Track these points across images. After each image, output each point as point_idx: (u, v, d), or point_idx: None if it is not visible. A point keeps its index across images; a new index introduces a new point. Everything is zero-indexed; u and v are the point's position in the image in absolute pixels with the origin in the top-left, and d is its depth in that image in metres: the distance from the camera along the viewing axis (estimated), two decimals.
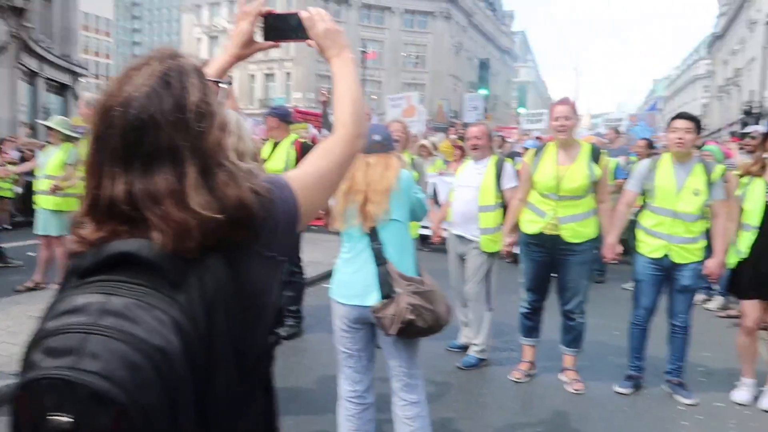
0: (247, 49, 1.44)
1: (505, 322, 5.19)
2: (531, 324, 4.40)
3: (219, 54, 1.49)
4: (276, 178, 1.11)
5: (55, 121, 6.15)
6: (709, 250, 4.12)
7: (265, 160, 5.12)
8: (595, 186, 4.02)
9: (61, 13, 25.73)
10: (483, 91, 16.65)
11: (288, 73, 48.25)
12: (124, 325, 0.84)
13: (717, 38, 56.71)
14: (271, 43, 1.46)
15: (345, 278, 2.81)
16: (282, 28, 1.43)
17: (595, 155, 4.02)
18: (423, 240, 8.50)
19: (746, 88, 36.68)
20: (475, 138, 4.57)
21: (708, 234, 4.09)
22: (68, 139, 6.01)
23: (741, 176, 4.09)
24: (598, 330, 5.55)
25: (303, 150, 5.16)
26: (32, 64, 21.90)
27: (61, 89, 25.20)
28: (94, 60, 75.67)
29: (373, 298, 2.68)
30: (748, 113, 23.26)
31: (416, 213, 2.92)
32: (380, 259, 2.70)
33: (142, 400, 0.81)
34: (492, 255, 4.55)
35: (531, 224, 4.13)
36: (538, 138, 10.72)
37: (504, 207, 4.53)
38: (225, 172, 0.98)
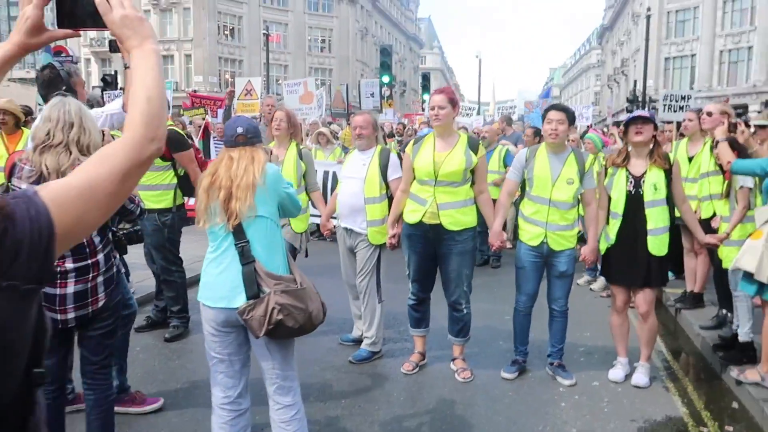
0: (35, 38, 1.24)
1: (401, 312, 5.17)
2: (418, 315, 4.39)
3: (2, 44, 1.26)
4: (21, 193, 0.93)
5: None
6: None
7: None
8: (473, 175, 4.07)
9: None
10: (385, 78, 16.62)
11: (188, 55, 46.06)
12: None
13: (606, 29, 60.30)
14: (67, 31, 1.27)
15: (211, 279, 2.66)
16: (77, 14, 1.25)
17: (473, 144, 4.05)
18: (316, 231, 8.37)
19: (632, 78, 39.30)
20: (359, 127, 4.46)
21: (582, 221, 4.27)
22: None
23: (606, 167, 4.26)
24: (490, 315, 5.70)
25: (169, 137, 4.77)
26: None
27: None
28: None
29: (241, 300, 2.54)
30: (631, 101, 24.89)
31: (287, 209, 2.80)
32: (246, 258, 2.57)
33: None
34: (380, 247, 4.49)
35: (412, 214, 4.11)
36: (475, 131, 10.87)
37: (390, 198, 4.49)
38: None
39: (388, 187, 4.46)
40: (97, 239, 2.73)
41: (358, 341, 4.71)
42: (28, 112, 6.66)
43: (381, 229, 4.43)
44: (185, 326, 5.05)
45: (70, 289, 2.63)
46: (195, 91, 25.42)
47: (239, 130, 2.67)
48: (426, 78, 22.48)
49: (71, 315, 2.65)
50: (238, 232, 2.58)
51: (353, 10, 53.12)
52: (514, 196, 4.39)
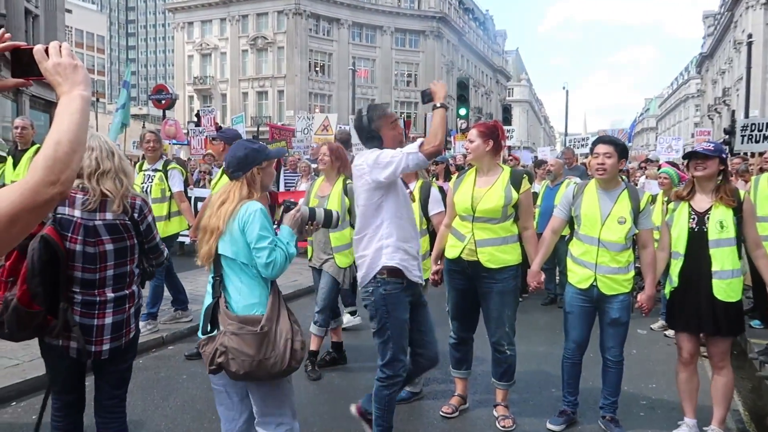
0: None
1: (443, 351, 4.98)
2: (459, 355, 4.20)
3: None
4: None
5: None
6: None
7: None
8: (516, 211, 3.88)
9: (47, 30, 25.80)
10: (462, 110, 16.55)
11: (281, 91, 48.42)
12: None
13: (705, 58, 57.22)
14: (18, 80, 1.37)
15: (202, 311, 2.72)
16: (26, 63, 1.33)
17: (515, 180, 3.87)
18: None
19: (734, 108, 36.85)
20: None
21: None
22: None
23: (668, 202, 3.93)
24: (546, 359, 5.37)
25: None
26: None
27: (47, 106, 25.12)
28: None
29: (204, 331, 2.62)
30: (729, 133, 23.22)
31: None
32: (214, 293, 2.59)
33: None
34: (425, 285, 4.36)
35: (451, 249, 3.97)
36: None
37: (431, 233, 4.36)
38: None
39: (428, 221, 4.35)
40: (136, 270, 2.75)
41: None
42: None
43: (424, 265, 4.30)
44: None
45: (108, 319, 2.60)
46: (268, 122, 26.29)
47: (224, 163, 2.69)
48: (507, 110, 22.18)
49: (106, 347, 2.61)
50: (216, 266, 2.60)
51: (439, 45, 53.79)
52: (558, 235, 4.11)
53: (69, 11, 35.56)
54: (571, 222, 3.97)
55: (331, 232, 4.74)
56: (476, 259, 3.84)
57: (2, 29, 1.40)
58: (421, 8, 53.11)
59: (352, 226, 4.80)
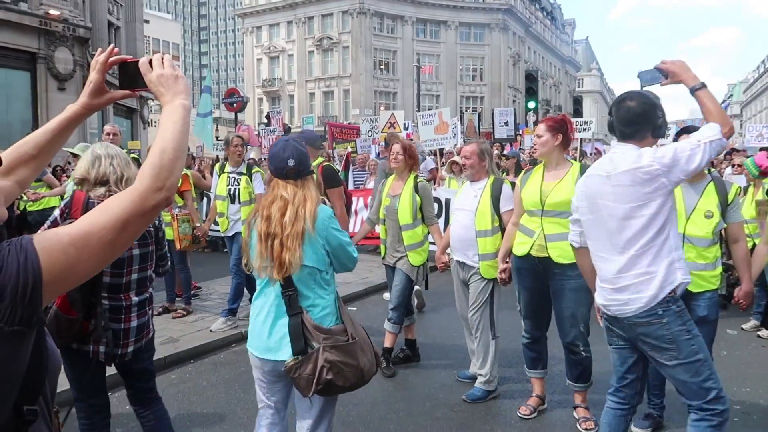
0: (98, 99, 1.43)
1: (519, 350, 4.88)
2: (533, 355, 4.12)
3: (70, 105, 1.48)
4: (14, 241, 0.99)
5: (77, 148, 6.36)
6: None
7: None
8: None
9: (127, 41, 27.21)
10: (531, 103, 16.16)
11: (346, 90, 49.03)
12: None
13: None
14: (125, 91, 1.45)
15: (257, 328, 2.54)
16: (132, 74, 1.41)
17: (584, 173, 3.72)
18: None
19: None
20: (464, 158, 4.37)
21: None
22: None
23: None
24: None
25: (325, 173, 5.13)
26: None
27: (128, 113, 26.52)
28: None
29: (287, 353, 2.41)
30: None
31: (339, 260, 2.55)
32: (294, 309, 2.40)
33: None
34: (494, 281, 4.30)
35: (520, 246, 3.89)
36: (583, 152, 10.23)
37: (504, 230, 4.29)
38: None
39: (500, 219, 4.27)
40: (153, 274, 2.90)
41: (475, 378, 4.52)
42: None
43: (493, 263, 4.24)
44: None
45: (134, 323, 2.76)
46: (328, 121, 26.53)
47: (290, 162, 2.44)
48: (578, 102, 21.48)
49: (131, 348, 2.75)
50: (287, 280, 2.42)
51: (505, 38, 52.82)
52: None
53: (147, 21, 37.35)
54: None
55: (404, 231, 4.74)
56: (547, 255, 3.74)
57: (112, 45, 1.49)
58: (486, 1, 52.30)
59: (427, 224, 4.82)
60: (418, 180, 4.83)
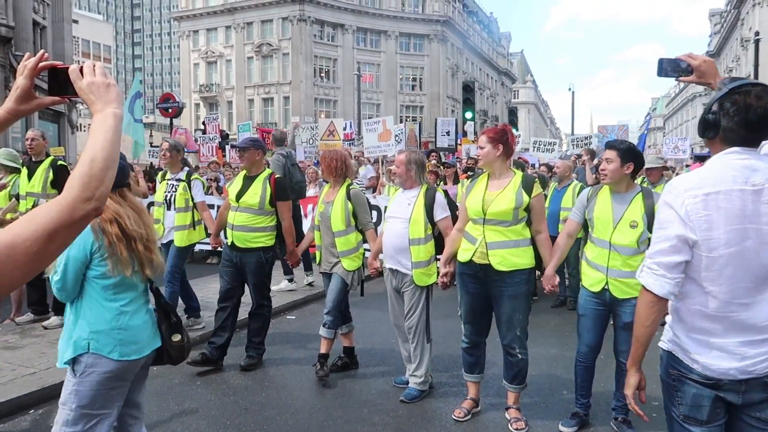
0: (25, 104, 1.40)
1: (454, 354, 5.01)
2: (471, 359, 4.19)
3: None
4: None
5: (1, 155, 6.06)
6: None
7: (240, 195, 5.08)
8: (529, 215, 3.89)
9: (54, 41, 26.03)
10: (468, 114, 16.57)
11: (286, 97, 48.62)
12: None
13: (712, 56, 56.97)
14: (54, 98, 1.42)
15: (137, 332, 2.50)
16: (62, 81, 1.39)
17: (527, 184, 3.87)
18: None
19: None
20: (395, 166, 4.45)
21: None
22: (12, 170, 5.91)
23: None
24: (557, 361, 5.38)
25: (277, 187, 5.13)
26: None
27: (55, 117, 25.37)
28: None
29: (157, 339, 2.62)
30: None
31: None
32: (162, 296, 2.67)
33: None
34: (428, 287, 4.40)
35: (463, 252, 3.99)
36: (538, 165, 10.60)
37: (437, 238, 4.40)
38: None
39: (434, 227, 4.37)
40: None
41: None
42: None
43: (427, 270, 4.35)
44: (260, 358, 5.28)
45: None
46: (282, 128, 26.34)
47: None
48: (513, 113, 22.19)
49: None
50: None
51: (444, 48, 53.88)
52: (573, 238, 4.10)
53: (76, 21, 35.88)
54: (585, 225, 3.98)
55: (337, 237, 4.77)
56: (488, 261, 3.84)
57: (42, 51, 1.47)
58: (425, 12, 53.24)
59: (359, 230, 4.87)
60: (350, 187, 4.89)
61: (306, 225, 8.85)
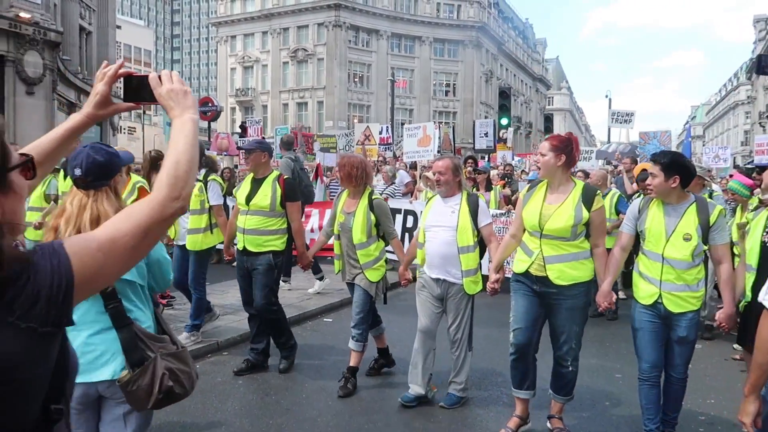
0: (103, 110, 1.46)
1: (492, 364, 4.99)
2: (519, 374, 3.98)
3: (74, 114, 1.51)
4: (46, 245, 1.04)
5: None
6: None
7: (249, 197, 4.98)
8: (588, 228, 3.74)
9: (99, 46, 26.84)
10: (504, 120, 16.48)
11: (320, 102, 49.09)
12: None
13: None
14: (129, 104, 1.49)
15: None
16: (138, 89, 1.45)
17: (587, 197, 3.70)
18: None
19: None
20: (438, 173, 4.33)
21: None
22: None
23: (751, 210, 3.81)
24: (597, 372, 5.30)
25: (286, 187, 5.05)
26: (70, 95, 22.80)
27: (70, 107, 26.02)
28: None
29: (110, 370, 2.19)
30: None
31: (154, 276, 2.39)
32: (122, 321, 2.20)
33: None
34: (472, 296, 4.36)
35: (520, 263, 3.87)
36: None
37: (481, 244, 4.34)
38: None
39: (479, 234, 4.32)
40: None
41: (419, 399, 4.40)
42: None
43: (475, 278, 4.29)
44: (294, 354, 5.25)
45: None
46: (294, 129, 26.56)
47: (76, 171, 2.20)
48: (549, 119, 21.99)
49: None
50: (109, 294, 2.19)
51: (478, 55, 53.70)
52: (627, 251, 3.92)
53: (119, 27, 36.91)
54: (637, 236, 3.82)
55: (358, 249, 4.69)
56: (545, 274, 3.73)
57: (121, 60, 1.54)
58: (460, 18, 53.15)
59: (380, 238, 4.79)
60: (373, 197, 4.78)
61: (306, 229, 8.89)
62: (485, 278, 4.28)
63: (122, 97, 1.50)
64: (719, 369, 5.54)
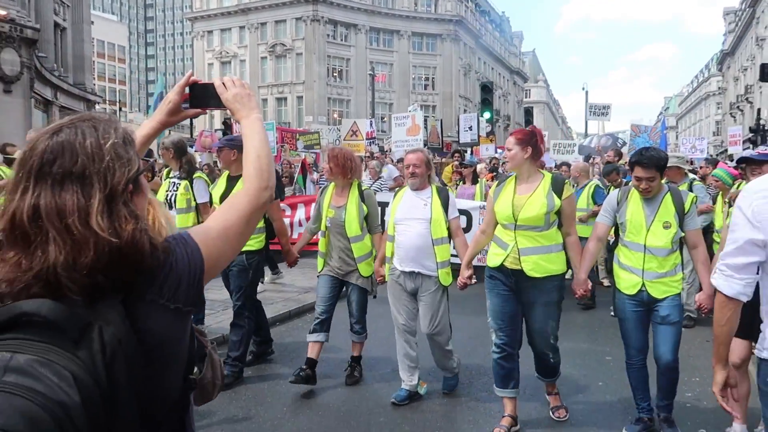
0: (173, 117, 1.57)
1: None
2: (504, 372, 3.97)
3: (147, 121, 1.61)
4: (179, 235, 1.19)
5: (17, 153, 6.25)
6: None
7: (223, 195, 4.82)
8: (560, 217, 3.83)
9: (74, 42, 26.45)
10: (486, 114, 16.72)
11: (299, 97, 48.94)
12: (26, 382, 0.90)
13: (726, 55, 56.67)
14: (197, 110, 1.59)
15: None
16: (203, 95, 1.55)
17: (557, 186, 3.80)
18: None
19: (757, 106, 36.50)
20: (413, 165, 4.30)
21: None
22: None
23: (730, 205, 3.98)
24: (588, 355, 5.54)
25: None
26: (47, 92, 22.48)
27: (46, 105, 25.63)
28: (109, 86, 77.23)
29: None
30: (755, 131, 23.05)
31: None
32: None
33: None
34: (447, 287, 4.39)
35: (494, 257, 3.91)
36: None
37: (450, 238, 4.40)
38: (128, 211, 1.07)
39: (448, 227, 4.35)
40: None
41: (411, 396, 4.43)
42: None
43: (448, 270, 4.34)
44: (238, 376, 4.83)
45: None
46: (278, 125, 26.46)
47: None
48: (529, 113, 22.35)
49: None
50: None
51: (456, 48, 53.96)
52: (604, 242, 4.07)
53: (92, 23, 36.31)
54: (615, 227, 3.96)
55: (353, 243, 4.63)
56: (520, 267, 3.78)
57: (190, 72, 1.67)
58: (438, 11, 53.35)
59: (371, 233, 4.77)
60: (362, 189, 4.76)
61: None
62: (454, 269, 4.34)
63: (188, 103, 1.58)
64: (702, 350, 5.79)
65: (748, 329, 3.49)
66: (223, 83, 1.50)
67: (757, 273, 1.99)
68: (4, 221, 1.04)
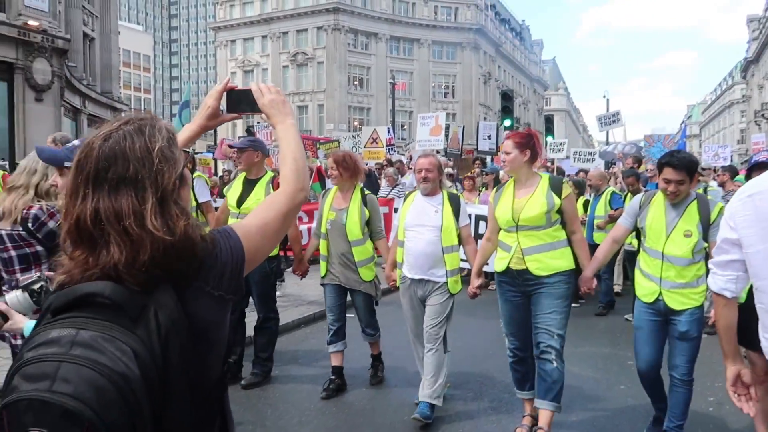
0: (212, 121, 1.65)
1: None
2: (519, 375, 4.00)
3: (188, 124, 1.68)
4: (223, 229, 1.31)
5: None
6: None
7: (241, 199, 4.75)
8: (562, 216, 3.79)
9: (102, 52, 27.08)
10: (507, 122, 16.77)
11: (320, 105, 49.38)
12: (92, 355, 1.00)
13: (750, 63, 55.91)
14: (233, 115, 1.65)
15: None
16: (240, 101, 1.62)
17: (555, 186, 3.77)
18: None
19: None
20: (425, 170, 4.20)
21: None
22: None
23: None
24: (610, 359, 5.58)
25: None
26: (75, 101, 23.04)
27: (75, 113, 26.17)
28: (135, 95, 78.78)
29: None
30: None
31: None
32: None
33: (107, 418, 0.97)
34: (454, 295, 4.28)
35: (500, 261, 3.88)
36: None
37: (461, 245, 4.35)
38: (179, 208, 1.18)
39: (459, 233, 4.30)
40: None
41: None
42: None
43: (458, 278, 4.29)
44: (266, 375, 4.91)
45: None
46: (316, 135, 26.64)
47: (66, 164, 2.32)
48: (549, 120, 22.28)
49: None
50: None
51: (476, 57, 54.05)
52: (619, 244, 4.00)
53: (119, 33, 37.12)
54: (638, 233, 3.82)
55: (354, 247, 4.59)
56: (525, 267, 3.74)
57: (228, 78, 1.76)
58: (458, 20, 53.53)
59: (374, 239, 4.75)
60: (365, 193, 4.71)
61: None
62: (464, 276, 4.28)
63: (225, 108, 1.65)
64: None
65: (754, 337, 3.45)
66: (260, 89, 1.58)
67: (745, 272, 2.10)
68: (70, 224, 1.13)
